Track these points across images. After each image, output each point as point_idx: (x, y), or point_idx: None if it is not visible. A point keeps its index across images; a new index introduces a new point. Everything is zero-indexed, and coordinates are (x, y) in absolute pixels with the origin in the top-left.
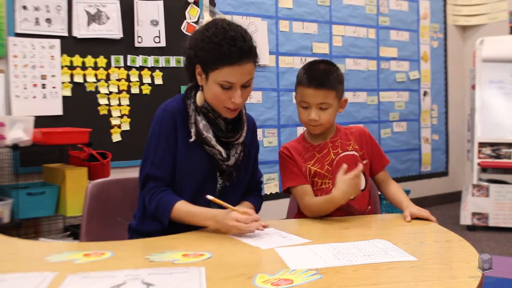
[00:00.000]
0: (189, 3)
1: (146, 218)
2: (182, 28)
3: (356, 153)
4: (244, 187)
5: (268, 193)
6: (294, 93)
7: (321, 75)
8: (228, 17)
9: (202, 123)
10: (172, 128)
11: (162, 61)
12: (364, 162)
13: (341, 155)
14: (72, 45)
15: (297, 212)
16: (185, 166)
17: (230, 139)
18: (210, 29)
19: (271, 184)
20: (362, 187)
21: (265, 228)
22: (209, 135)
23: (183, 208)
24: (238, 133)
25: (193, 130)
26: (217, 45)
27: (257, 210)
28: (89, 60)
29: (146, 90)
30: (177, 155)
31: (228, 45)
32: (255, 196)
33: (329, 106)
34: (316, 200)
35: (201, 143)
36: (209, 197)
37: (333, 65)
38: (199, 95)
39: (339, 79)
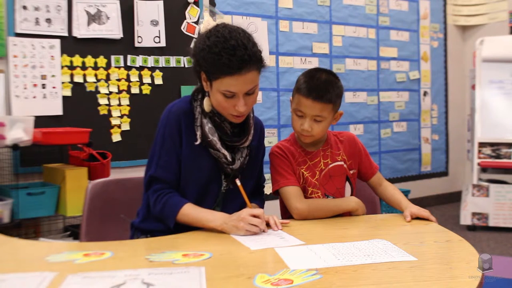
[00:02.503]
0: (189, 3)
1: (149, 217)
2: (182, 28)
3: (344, 164)
4: (249, 190)
5: (268, 193)
6: (290, 97)
7: (322, 87)
8: (228, 18)
9: (208, 126)
10: (177, 129)
11: (162, 61)
12: (352, 172)
13: (330, 166)
14: (72, 45)
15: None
16: (190, 168)
17: (236, 143)
18: (211, 38)
19: (271, 184)
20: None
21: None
22: (214, 138)
23: (189, 211)
24: (244, 137)
25: (198, 133)
26: (216, 55)
27: None
28: (89, 60)
29: (146, 90)
30: (182, 157)
31: (227, 55)
32: (259, 198)
33: (323, 119)
34: (322, 199)
35: (206, 146)
36: (237, 181)
37: (335, 77)
38: (206, 102)
39: (339, 92)
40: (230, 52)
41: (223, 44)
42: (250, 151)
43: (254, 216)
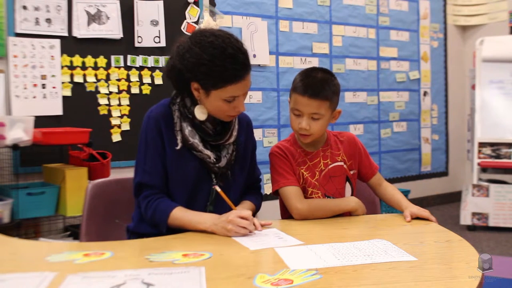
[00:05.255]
0: (189, 3)
1: (143, 221)
2: (182, 28)
3: (344, 164)
4: (241, 186)
5: (268, 193)
6: (288, 98)
7: (317, 85)
8: (228, 18)
9: (187, 129)
10: (157, 134)
11: (162, 61)
12: (352, 172)
13: (330, 166)
14: (72, 45)
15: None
16: (176, 172)
17: (219, 141)
18: (206, 50)
19: (271, 184)
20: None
21: (265, 227)
22: (195, 140)
23: (178, 214)
24: (227, 134)
25: (179, 138)
26: (221, 67)
27: (258, 208)
28: (89, 60)
29: (146, 90)
30: (167, 162)
31: (231, 65)
32: (254, 194)
33: (321, 117)
34: (322, 199)
35: (189, 148)
36: (217, 188)
37: (331, 75)
38: (197, 110)
39: (335, 89)
40: (233, 61)
41: (223, 55)
42: (238, 147)
43: (242, 217)
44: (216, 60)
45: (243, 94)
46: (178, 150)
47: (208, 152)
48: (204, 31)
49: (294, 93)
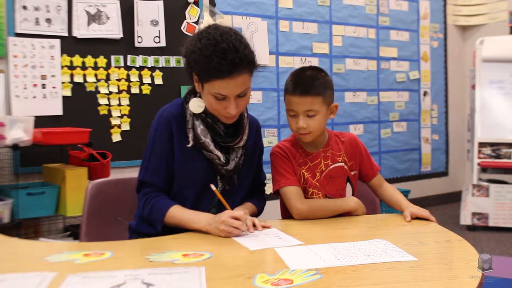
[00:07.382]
0: (189, 3)
1: (144, 220)
2: (182, 28)
3: (345, 165)
4: (245, 190)
5: (268, 193)
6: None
7: (306, 82)
8: (228, 18)
9: (200, 128)
10: (167, 134)
11: (162, 61)
12: (353, 173)
13: (331, 167)
14: (72, 45)
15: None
16: (184, 172)
17: (229, 143)
18: (202, 40)
19: (271, 184)
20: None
21: (265, 228)
22: (207, 140)
23: (174, 213)
24: (238, 137)
25: (190, 135)
26: (207, 58)
27: (260, 211)
28: (89, 60)
29: (146, 90)
30: (175, 161)
31: (218, 59)
32: (257, 197)
33: (316, 113)
34: (322, 199)
35: (199, 148)
36: (212, 186)
37: (320, 71)
38: (192, 103)
39: (326, 84)
40: (221, 56)
41: (214, 47)
42: (246, 151)
43: (235, 218)
44: (205, 50)
45: (236, 96)
46: (187, 150)
47: (218, 153)
48: (213, 25)
49: (286, 94)
